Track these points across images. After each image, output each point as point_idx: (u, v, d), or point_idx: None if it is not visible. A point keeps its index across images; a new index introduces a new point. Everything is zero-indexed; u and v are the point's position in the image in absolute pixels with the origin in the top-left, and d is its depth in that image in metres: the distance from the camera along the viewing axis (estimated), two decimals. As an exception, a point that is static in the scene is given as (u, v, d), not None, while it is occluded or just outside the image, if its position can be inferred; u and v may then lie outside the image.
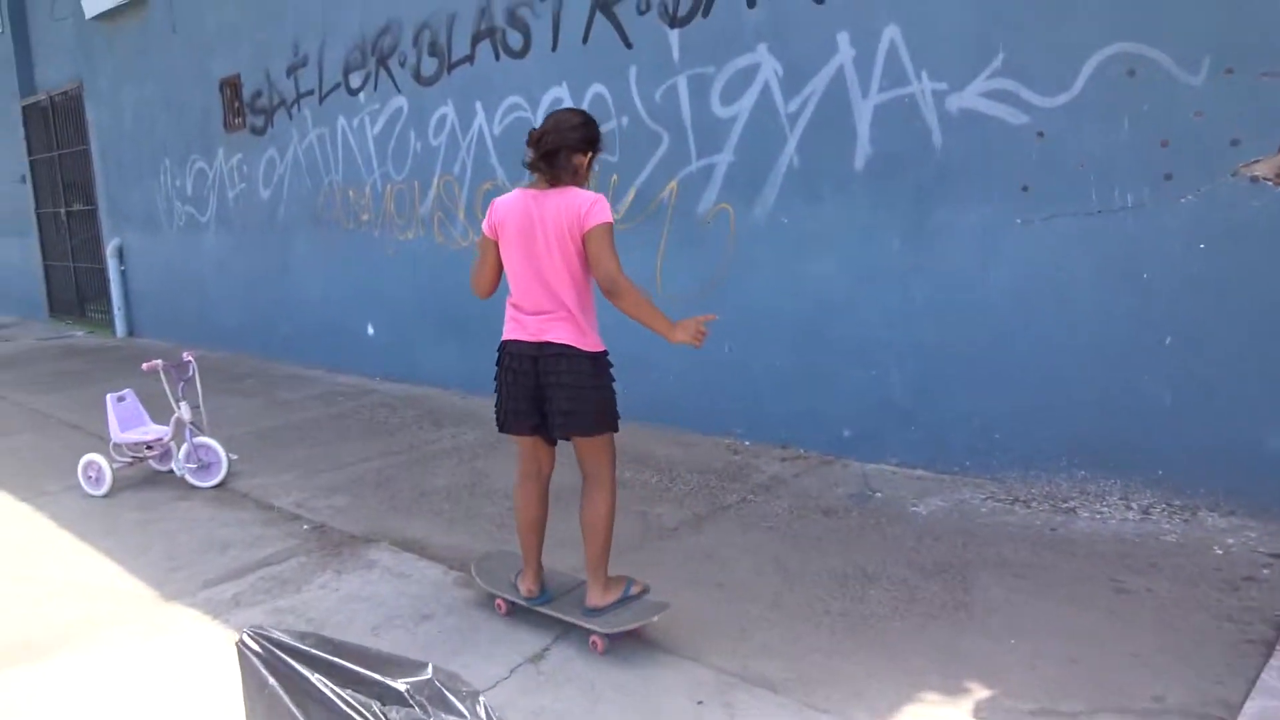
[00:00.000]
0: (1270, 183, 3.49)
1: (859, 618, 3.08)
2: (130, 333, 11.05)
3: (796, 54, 4.73)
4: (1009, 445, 4.29)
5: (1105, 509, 3.89)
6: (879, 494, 4.29)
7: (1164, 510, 3.81)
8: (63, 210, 12.22)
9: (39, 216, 12.86)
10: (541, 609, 3.06)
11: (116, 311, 11.05)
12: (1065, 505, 3.97)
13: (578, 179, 2.81)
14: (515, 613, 3.18)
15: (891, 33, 4.37)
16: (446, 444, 5.52)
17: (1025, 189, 4.06)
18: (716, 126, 5.11)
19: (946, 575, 3.37)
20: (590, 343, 2.81)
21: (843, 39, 4.54)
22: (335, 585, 3.53)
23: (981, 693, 2.59)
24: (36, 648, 3.13)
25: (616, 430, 2.89)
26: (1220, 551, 3.43)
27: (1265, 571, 3.24)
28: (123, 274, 10.94)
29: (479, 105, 6.37)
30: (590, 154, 2.83)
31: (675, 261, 5.45)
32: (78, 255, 12.11)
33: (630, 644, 2.92)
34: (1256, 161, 3.51)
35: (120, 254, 10.91)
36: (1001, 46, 4.05)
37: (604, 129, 5.59)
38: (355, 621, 3.21)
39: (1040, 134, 3.99)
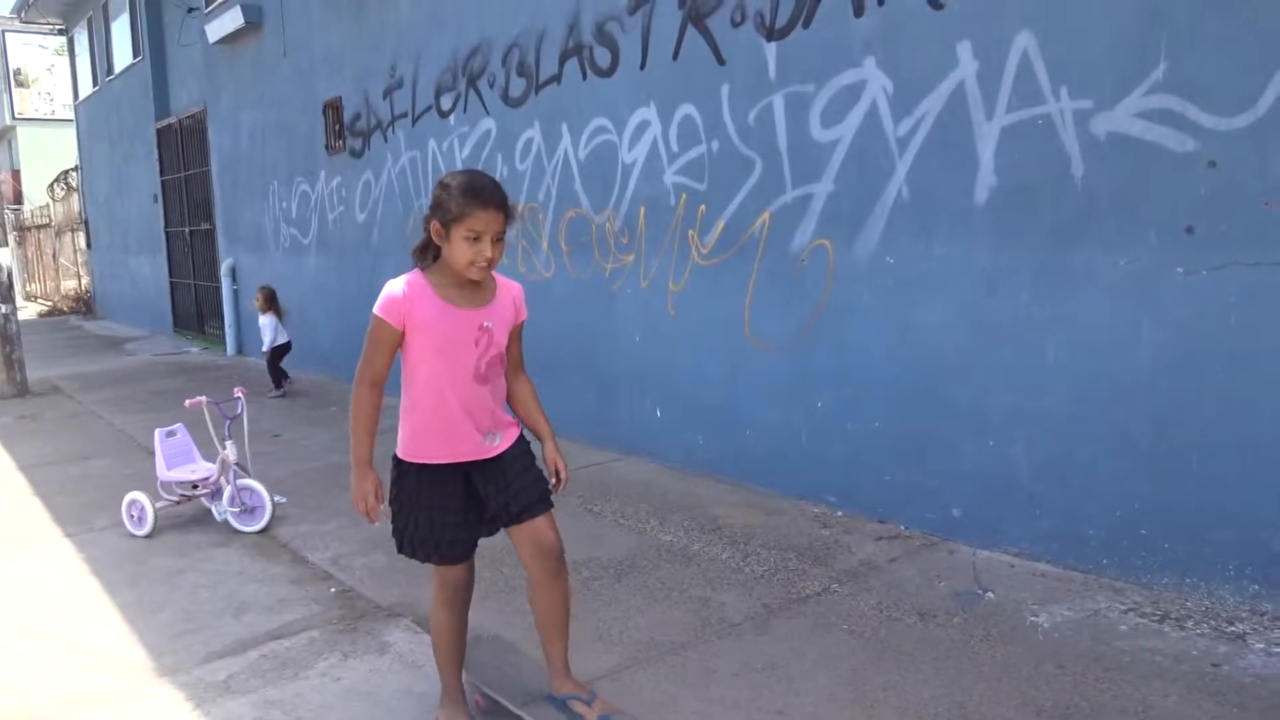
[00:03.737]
0: None
1: (951, 781, 2.41)
2: (240, 350, 11.18)
3: (909, 69, 4.08)
4: (1159, 544, 3.49)
5: (1288, 639, 3.06)
6: (990, 594, 3.56)
7: (1371, 648, 2.96)
8: (187, 230, 12.57)
9: (168, 235, 13.30)
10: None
11: (228, 330, 11.21)
12: (1231, 630, 3.14)
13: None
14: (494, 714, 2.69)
15: (1024, 41, 3.67)
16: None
17: (1189, 230, 3.28)
18: (816, 152, 4.49)
19: (1071, 724, 2.65)
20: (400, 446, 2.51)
21: (964, 50, 3.86)
22: (338, 674, 3.08)
23: None
24: (1, 730, 2.83)
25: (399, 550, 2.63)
26: None
27: None
28: (235, 293, 11.09)
29: (565, 128, 5.94)
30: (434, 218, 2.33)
31: (765, 303, 4.84)
32: (199, 273, 12.42)
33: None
34: None
35: (233, 274, 11.07)
36: (1164, 54, 3.30)
37: (692, 155, 5.17)
38: (345, 727, 2.76)
39: (1212, 163, 3.21)
